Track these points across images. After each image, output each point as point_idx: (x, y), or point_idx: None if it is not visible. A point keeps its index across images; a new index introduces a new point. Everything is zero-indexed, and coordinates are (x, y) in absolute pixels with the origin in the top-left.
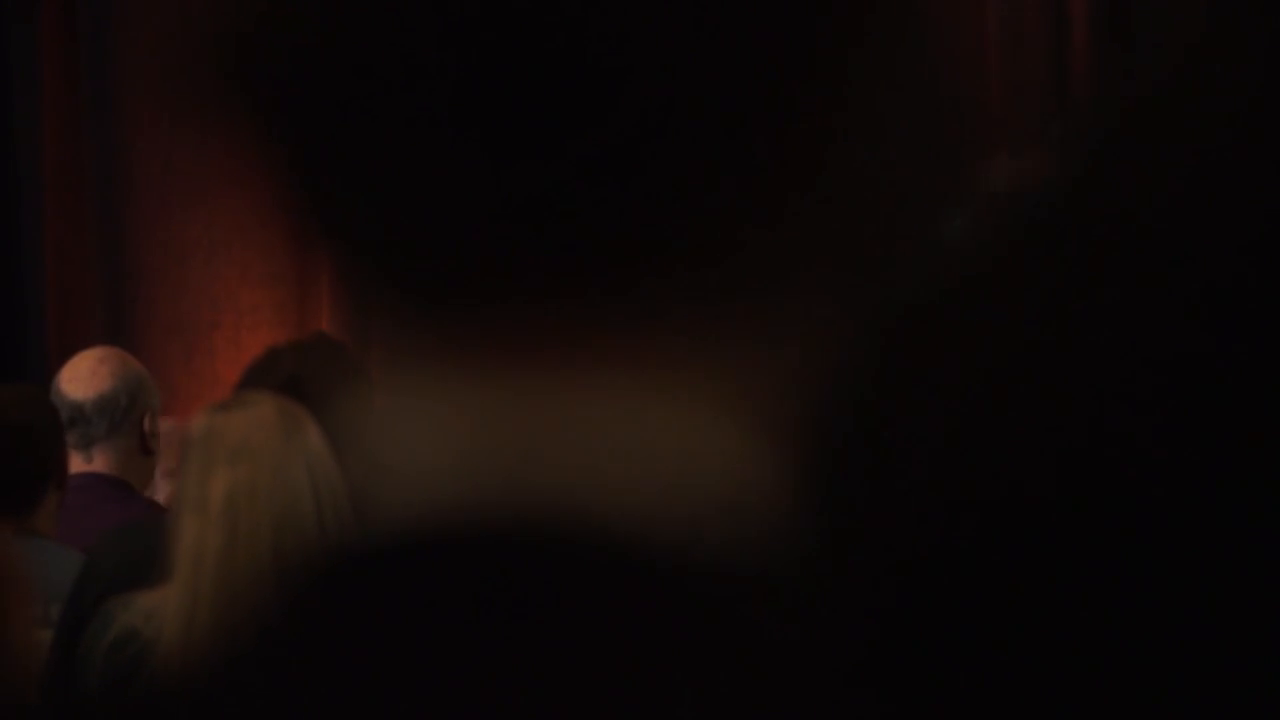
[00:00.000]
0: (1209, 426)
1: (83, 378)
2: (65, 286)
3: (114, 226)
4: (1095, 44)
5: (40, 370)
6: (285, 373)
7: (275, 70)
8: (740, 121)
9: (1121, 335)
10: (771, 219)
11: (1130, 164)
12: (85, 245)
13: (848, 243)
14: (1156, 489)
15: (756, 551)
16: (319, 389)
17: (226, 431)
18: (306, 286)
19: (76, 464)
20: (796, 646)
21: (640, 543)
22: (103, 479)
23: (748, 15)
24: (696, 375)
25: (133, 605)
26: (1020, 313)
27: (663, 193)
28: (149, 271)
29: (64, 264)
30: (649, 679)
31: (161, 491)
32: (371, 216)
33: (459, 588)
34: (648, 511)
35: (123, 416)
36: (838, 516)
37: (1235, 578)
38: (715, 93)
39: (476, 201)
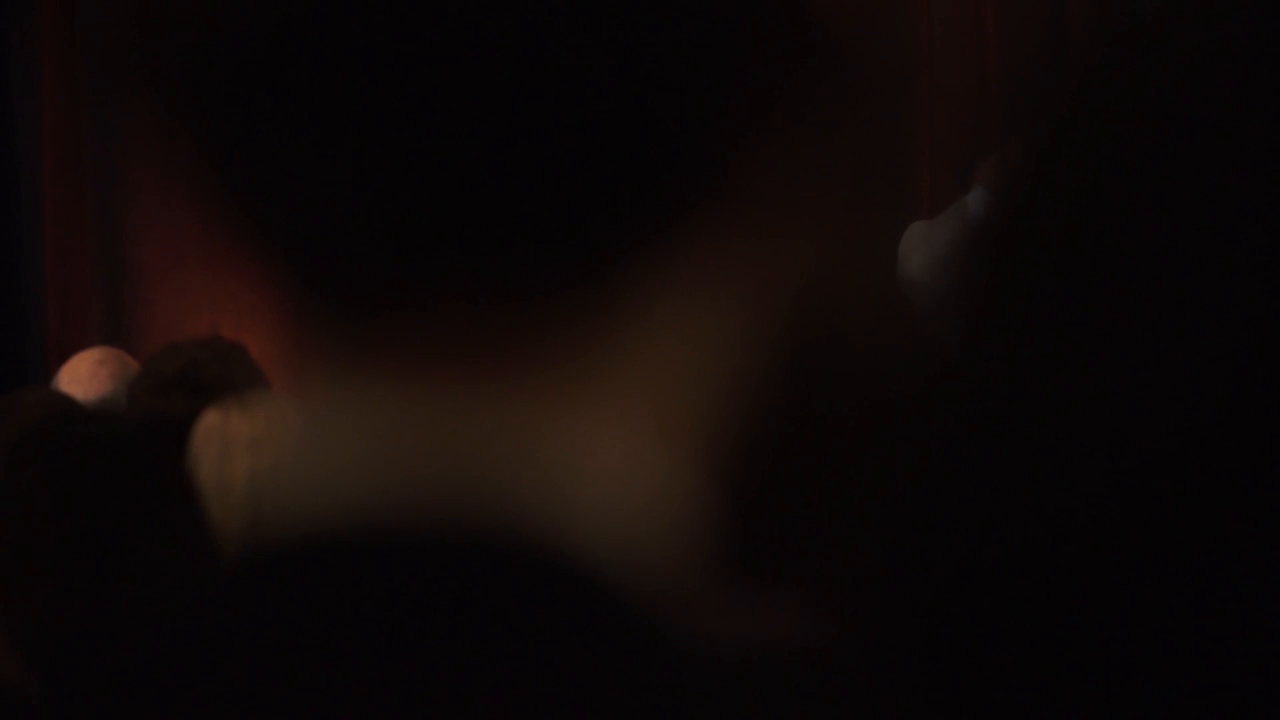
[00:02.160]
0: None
1: (83, 380)
2: (65, 286)
3: (113, 226)
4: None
5: (40, 370)
6: (185, 359)
7: (186, 68)
8: (661, 130)
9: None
10: (689, 229)
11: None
12: (85, 245)
13: (768, 254)
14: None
15: (682, 561)
16: (215, 381)
17: (242, 423)
18: None
19: None
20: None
21: (561, 550)
22: None
23: (668, 29)
24: (626, 384)
25: None
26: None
27: (590, 201)
28: (149, 272)
29: (64, 264)
30: (562, 685)
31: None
32: (294, 221)
33: (366, 589)
34: (569, 520)
35: None
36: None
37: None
38: (641, 98)
39: (401, 206)
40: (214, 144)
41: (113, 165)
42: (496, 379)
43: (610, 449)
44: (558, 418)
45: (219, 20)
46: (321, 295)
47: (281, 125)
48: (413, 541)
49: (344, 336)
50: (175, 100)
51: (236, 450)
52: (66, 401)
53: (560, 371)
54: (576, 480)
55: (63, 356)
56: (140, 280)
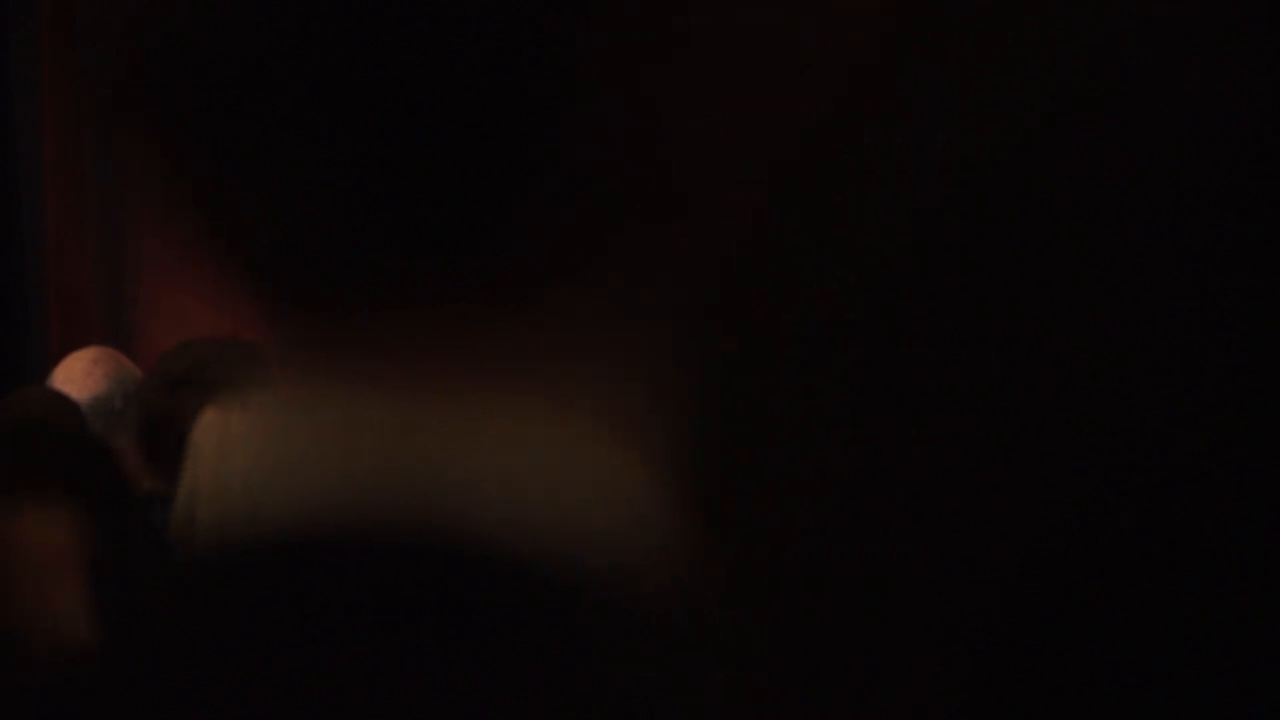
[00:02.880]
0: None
1: (77, 379)
2: (65, 286)
3: (114, 226)
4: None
5: (40, 370)
6: (194, 357)
7: (163, 71)
8: (607, 127)
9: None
10: (627, 229)
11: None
12: (85, 245)
13: (715, 246)
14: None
15: (633, 569)
16: (222, 379)
17: (239, 423)
18: None
19: None
20: (673, 663)
21: (516, 556)
22: None
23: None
24: (578, 389)
25: None
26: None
27: (545, 201)
28: (149, 271)
29: (64, 264)
30: (512, 687)
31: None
32: (263, 223)
33: (333, 589)
34: (526, 525)
35: (117, 418)
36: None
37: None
38: (591, 98)
39: (366, 209)
40: (191, 143)
41: (113, 165)
42: (458, 381)
43: (570, 451)
44: (520, 420)
45: (209, 22)
46: (291, 296)
47: (253, 125)
48: (368, 541)
49: (312, 338)
50: (162, 99)
51: (235, 449)
52: (67, 400)
53: (521, 374)
54: (540, 481)
55: (63, 356)
56: (140, 280)
